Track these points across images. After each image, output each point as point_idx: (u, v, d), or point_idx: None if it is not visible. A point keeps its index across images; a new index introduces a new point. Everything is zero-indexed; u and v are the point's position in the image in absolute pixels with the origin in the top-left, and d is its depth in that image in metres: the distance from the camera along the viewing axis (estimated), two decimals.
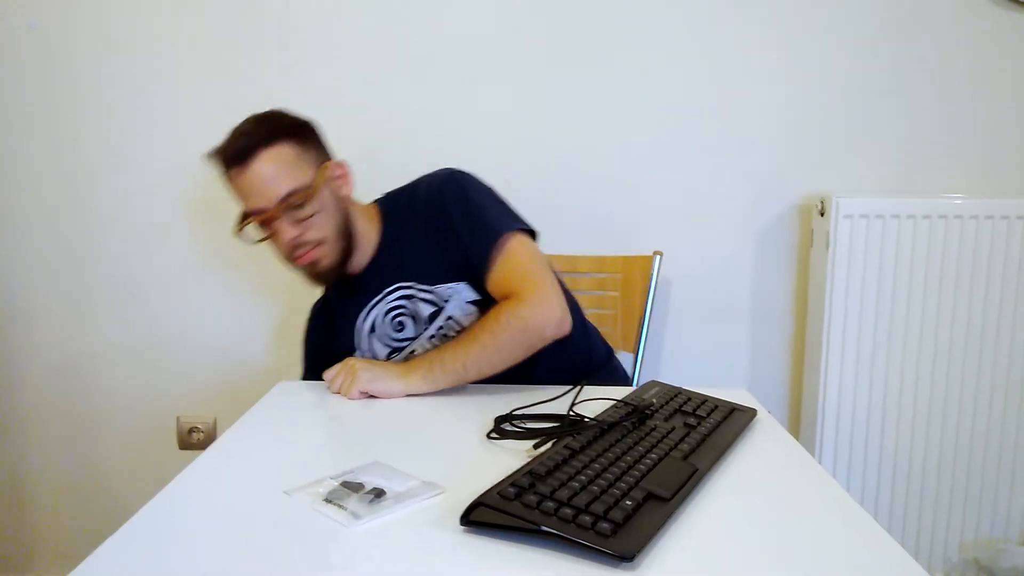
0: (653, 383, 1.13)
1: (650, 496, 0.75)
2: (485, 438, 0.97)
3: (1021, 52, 1.67)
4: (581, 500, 0.72)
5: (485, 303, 1.23)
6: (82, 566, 0.66)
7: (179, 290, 1.76)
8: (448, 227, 1.22)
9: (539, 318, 1.14)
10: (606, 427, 0.92)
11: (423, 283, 1.25)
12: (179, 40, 1.68)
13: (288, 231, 1.16)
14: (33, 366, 1.79)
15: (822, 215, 1.65)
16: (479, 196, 1.25)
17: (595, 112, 1.70)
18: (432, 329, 1.26)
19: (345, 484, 0.81)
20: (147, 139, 1.71)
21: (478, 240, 1.20)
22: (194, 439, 1.80)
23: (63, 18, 1.67)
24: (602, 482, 0.76)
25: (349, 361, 1.17)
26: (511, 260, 1.19)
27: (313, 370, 1.34)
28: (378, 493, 0.79)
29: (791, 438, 1.00)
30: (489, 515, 0.72)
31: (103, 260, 1.75)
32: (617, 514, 0.70)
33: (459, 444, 0.96)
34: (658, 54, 1.68)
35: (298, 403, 1.13)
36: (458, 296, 1.24)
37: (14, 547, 1.86)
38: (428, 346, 1.26)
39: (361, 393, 1.12)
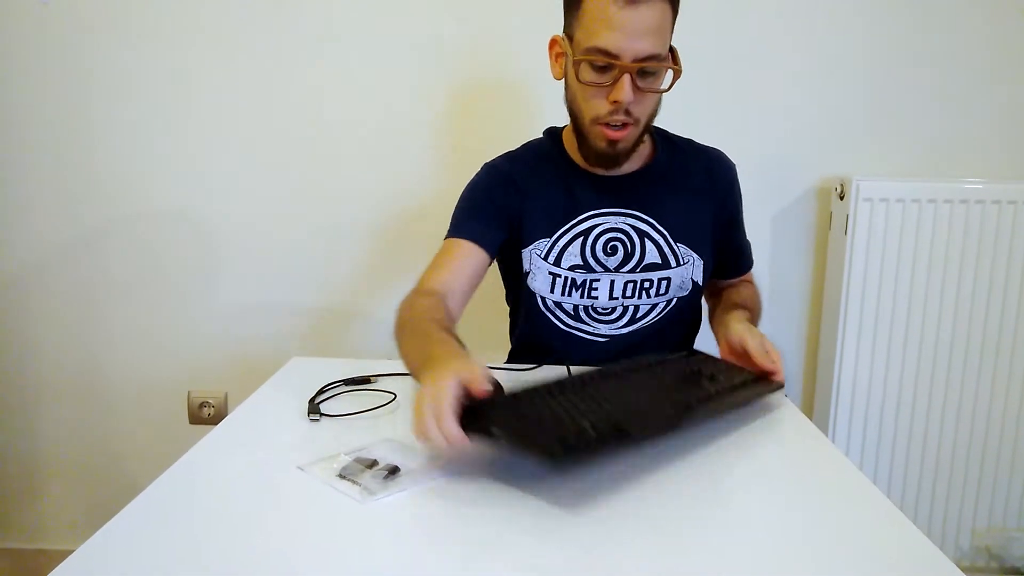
0: (692, 351, 1.11)
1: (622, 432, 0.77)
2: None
3: None
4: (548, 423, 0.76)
5: (693, 293, 1.23)
6: (92, 539, 0.66)
7: (189, 264, 1.75)
8: (732, 211, 1.27)
9: None
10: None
11: (670, 233, 1.18)
12: (191, 19, 1.66)
13: (627, 92, 1.03)
14: (45, 341, 1.80)
15: (841, 198, 1.62)
16: None
17: None
18: (637, 275, 1.17)
19: (359, 460, 0.81)
20: (159, 118, 1.69)
21: (745, 241, 1.33)
22: (205, 414, 1.81)
23: None
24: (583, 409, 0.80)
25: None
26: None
27: (473, 219, 1.19)
28: (392, 470, 0.78)
29: (807, 420, 0.98)
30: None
31: (113, 237, 1.75)
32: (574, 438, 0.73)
33: None
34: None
35: (311, 378, 1.12)
36: (693, 268, 1.20)
37: (27, 520, 1.88)
38: (619, 288, 1.17)
39: None
